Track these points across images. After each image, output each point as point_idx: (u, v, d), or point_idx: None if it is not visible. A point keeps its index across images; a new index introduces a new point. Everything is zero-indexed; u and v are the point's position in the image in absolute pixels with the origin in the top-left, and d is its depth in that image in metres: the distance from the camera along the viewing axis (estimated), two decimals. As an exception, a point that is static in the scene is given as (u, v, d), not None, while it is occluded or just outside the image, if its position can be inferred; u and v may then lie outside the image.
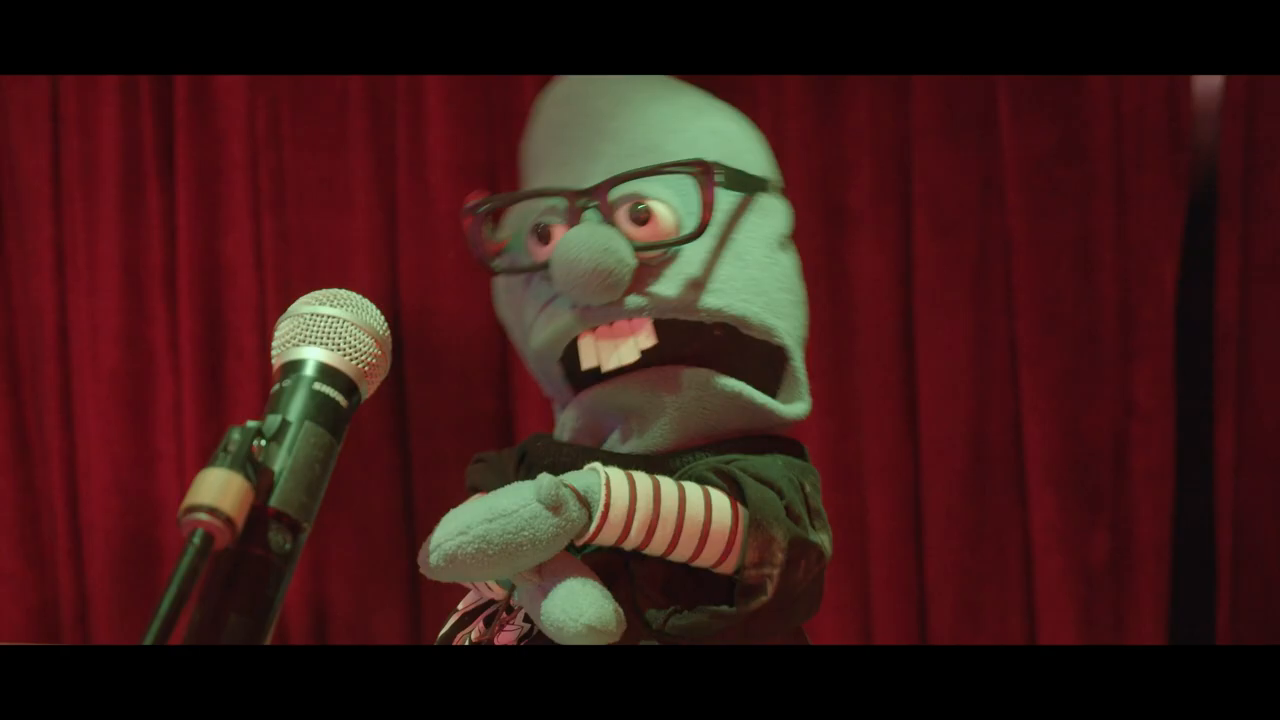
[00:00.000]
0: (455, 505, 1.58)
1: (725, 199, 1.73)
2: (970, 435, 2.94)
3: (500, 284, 1.81)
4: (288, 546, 1.37)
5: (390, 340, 1.51)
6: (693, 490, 1.60)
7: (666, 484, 1.60)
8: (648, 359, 1.68)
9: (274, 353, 1.48)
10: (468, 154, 3.05)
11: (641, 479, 1.59)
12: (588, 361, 1.69)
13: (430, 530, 1.55)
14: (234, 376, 3.09)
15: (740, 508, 1.60)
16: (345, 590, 3.08)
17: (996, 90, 2.92)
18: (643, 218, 1.68)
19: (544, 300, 1.72)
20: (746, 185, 1.75)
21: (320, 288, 1.51)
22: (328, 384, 1.44)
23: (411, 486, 3.05)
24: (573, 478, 1.57)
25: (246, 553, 1.34)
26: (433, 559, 1.54)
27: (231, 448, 1.33)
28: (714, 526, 1.59)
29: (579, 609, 1.53)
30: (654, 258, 1.68)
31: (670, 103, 1.82)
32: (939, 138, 2.94)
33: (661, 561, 1.61)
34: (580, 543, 1.58)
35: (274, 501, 1.36)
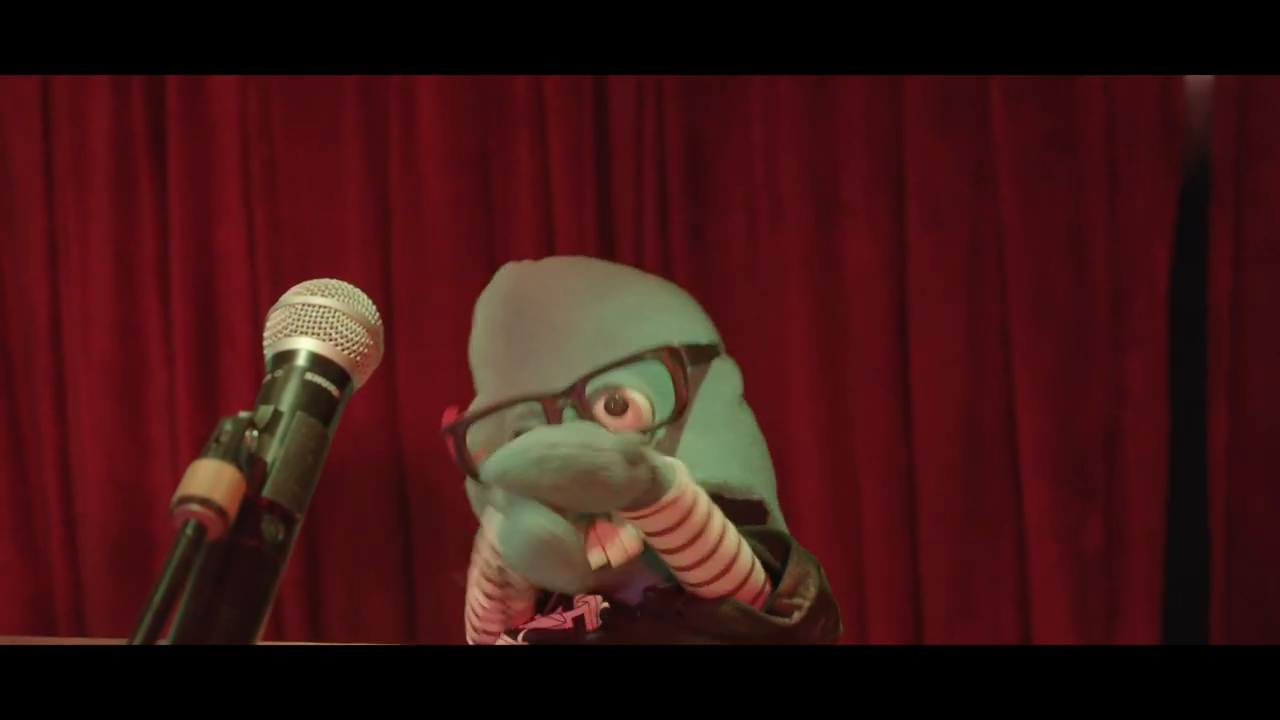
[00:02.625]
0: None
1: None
2: (963, 424, 2.94)
3: (473, 488, 1.81)
4: (281, 537, 1.36)
5: (382, 329, 1.51)
6: (732, 529, 1.67)
7: (716, 509, 1.67)
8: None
9: (265, 343, 1.48)
10: (460, 144, 3.05)
11: (703, 494, 1.66)
12: (597, 561, 1.70)
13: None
14: (227, 366, 3.09)
15: (758, 566, 1.68)
16: (339, 579, 3.08)
17: (989, 81, 2.91)
18: (620, 409, 1.74)
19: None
20: (702, 357, 1.83)
21: (312, 277, 1.50)
22: (320, 374, 1.43)
23: (404, 475, 3.05)
24: (653, 455, 1.62)
25: (239, 544, 1.33)
26: (511, 460, 1.56)
27: (224, 438, 1.32)
28: (738, 565, 1.66)
29: (532, 518, 1.58)
30: None
31: (615, 293, 1.87)
32: (931, 128, 2.94)
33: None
34: (635, 514, 1.61)
35: (267, 492, 1.35)
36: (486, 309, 1.92)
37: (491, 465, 1.57)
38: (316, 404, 1.43)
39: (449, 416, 1.78)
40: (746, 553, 1.67)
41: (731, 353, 2.95)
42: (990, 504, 2.95)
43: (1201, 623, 2.93)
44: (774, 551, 1.73)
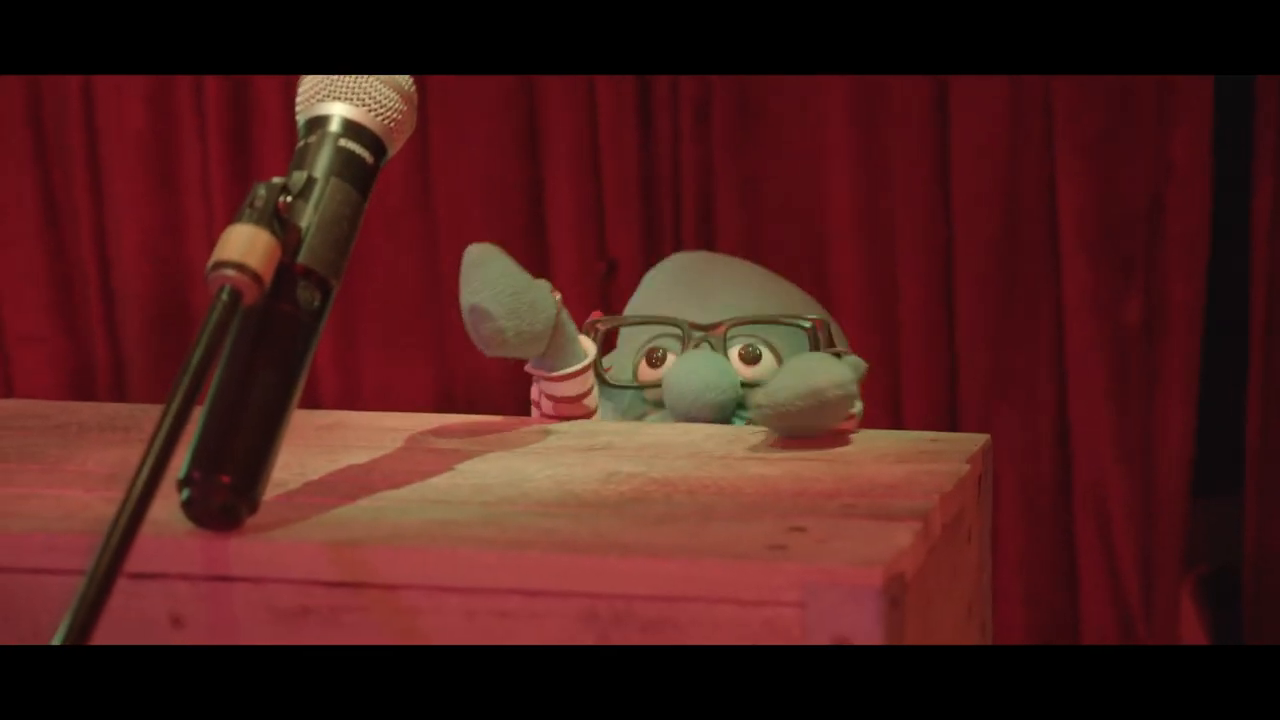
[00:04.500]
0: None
1: None
2: (1003, 197, 2.91)
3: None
4: (316, 303, 1.36)
5: (416, 97, 1.49)
6: None
7: None
8: None
9: (298, 108, 1.46)
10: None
11: None
12: None
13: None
14: (259, 140, 3.08)
15: None
16: (376, 355, 3.10)
17: None
18: (754, 359, 1.79)
19: (637, 415, 1.82)
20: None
21: (344, 47, 1.48)
22: (353, 140, 1.42)
23: (438, 253, 3.05)
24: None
25: (275, 309, 1.33)
26: (800, 402, 1.55)
27: (258, 203, 1.31)
28: None
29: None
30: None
31: (774, 282, 1.98)
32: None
33: None
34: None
35: (301, 258, 1.34)
36: (650, 275, 2.02)
37: (766, 405, 1.55)
38: (351, 170, 1.41)
39: (594, 315, 1.83)
40: None
41: (773, 123, 2.95)
42: (1029, 278, 2.93)
43: (1239, 401, 2.93)
44: None
